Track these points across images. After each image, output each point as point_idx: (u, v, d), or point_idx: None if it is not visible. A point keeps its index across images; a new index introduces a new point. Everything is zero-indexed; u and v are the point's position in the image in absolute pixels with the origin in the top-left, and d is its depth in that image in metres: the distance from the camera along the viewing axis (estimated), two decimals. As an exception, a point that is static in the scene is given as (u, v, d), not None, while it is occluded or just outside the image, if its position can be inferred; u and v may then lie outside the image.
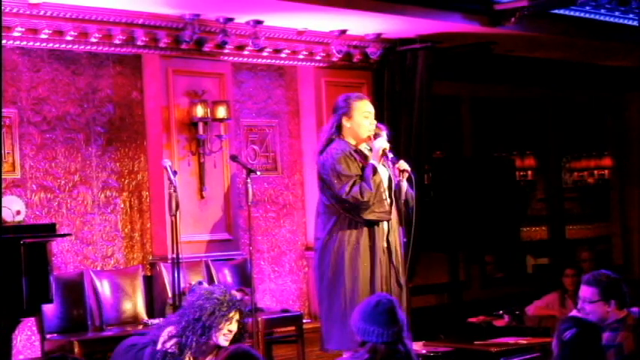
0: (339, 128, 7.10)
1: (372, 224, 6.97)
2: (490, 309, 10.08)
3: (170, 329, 5.91)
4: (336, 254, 6.96)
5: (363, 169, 6.97)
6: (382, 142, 7.00)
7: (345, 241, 6.95)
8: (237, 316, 5.93)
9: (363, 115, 7.09)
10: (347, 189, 6.86)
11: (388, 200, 6.97)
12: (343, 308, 6.89)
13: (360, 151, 7.09)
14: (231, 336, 5.90)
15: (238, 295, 6.17)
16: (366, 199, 6.86)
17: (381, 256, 6.95)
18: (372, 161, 6.98)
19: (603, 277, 5.62)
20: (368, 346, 4.61)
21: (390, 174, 7.02)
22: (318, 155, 7.13)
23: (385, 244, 7.00)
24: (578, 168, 13.65)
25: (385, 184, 6.98)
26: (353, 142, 7.08)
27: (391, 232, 7.03)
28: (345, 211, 6.95)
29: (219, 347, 5.87)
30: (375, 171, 6.94)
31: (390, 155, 7.00)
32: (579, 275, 10.10)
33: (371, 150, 7.04)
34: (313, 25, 9.40)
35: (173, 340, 5.84)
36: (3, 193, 7.90)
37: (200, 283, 8.48)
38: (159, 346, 5.87)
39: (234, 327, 5.91)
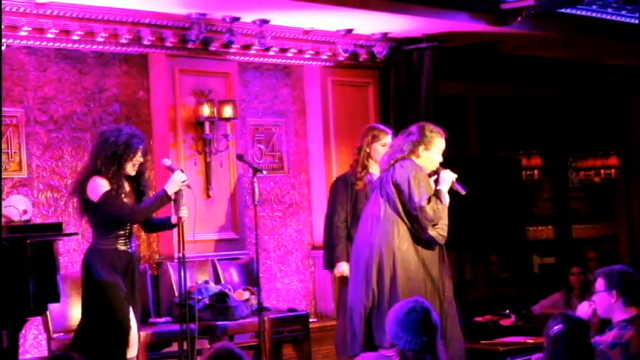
0: (411, 153, 6.97)
1: (427, 243, 6.95)
2: (496, 308, 10.09)
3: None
4: (403, 262, 6.90)
5: None
6: (451, 173, 6.97)
7: (406, 252, 6.88)
8: (143, 148, 6.90)
9: (438, 152, 7.01)
10: (427, 198, 6.78)
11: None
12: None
13: None
14: (137, 165, 6.85)
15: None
16: (441, 214, 6.83)
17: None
18: (440, 187, 6.92)
19: (612, 269, 5.64)
20: (397, 350, 4.62)
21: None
22: (386, 171, 6.99)
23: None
24: (585, 167, 13.64)
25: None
26: None
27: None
28: (413, 221, 6.85)
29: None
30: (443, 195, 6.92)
31: (459, 187, 6.97)
32: (585, 274, 10.13)
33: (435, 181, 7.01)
34: (319, 24, 9.40)
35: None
36: (10, 193, 7.94)
37: (207, 282, 8.50)
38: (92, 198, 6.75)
39: (140, 158, 6.85)
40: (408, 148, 6.96)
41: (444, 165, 7.05)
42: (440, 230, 6.89)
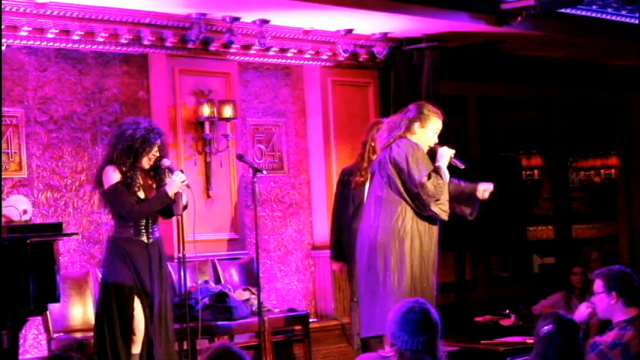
0: (407, 130, 7.02)
1: (429, 221, 7.00)
2: (496, 308, 10.06)
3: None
4: (401, 243, 6.94)
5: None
6: (449, 149, 7.02)
7: (410, 232, 6.94)
8: (159, 143, 6.93)
9: (434, 131, 7.05)
10: (427, 174, 6.82)
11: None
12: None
13: None
14: (154, 159, 6.89)
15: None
16: (442, 189, 6.87)
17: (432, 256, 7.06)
18: (439, 163, 6.98)
19: (610, 270, 5.64)
20: (395, 349, 4.62)
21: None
22: (384, 150, 7.05)
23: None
24: (585, 167, 13.64)
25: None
26: None
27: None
28: (414, 199, 6.90)
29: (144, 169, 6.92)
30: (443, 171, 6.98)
31: (457, 162, 7.02)
32: (586, 274, 10.12)
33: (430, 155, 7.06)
34: (320, 24, 9.40)
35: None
36: (10, 193, 7.94)
37: (206, 282, 8.50)
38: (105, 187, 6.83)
39: (157, 152, 6.91)
40: (404, 124, 7.02)
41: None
42: (442, 206, 6.93)
